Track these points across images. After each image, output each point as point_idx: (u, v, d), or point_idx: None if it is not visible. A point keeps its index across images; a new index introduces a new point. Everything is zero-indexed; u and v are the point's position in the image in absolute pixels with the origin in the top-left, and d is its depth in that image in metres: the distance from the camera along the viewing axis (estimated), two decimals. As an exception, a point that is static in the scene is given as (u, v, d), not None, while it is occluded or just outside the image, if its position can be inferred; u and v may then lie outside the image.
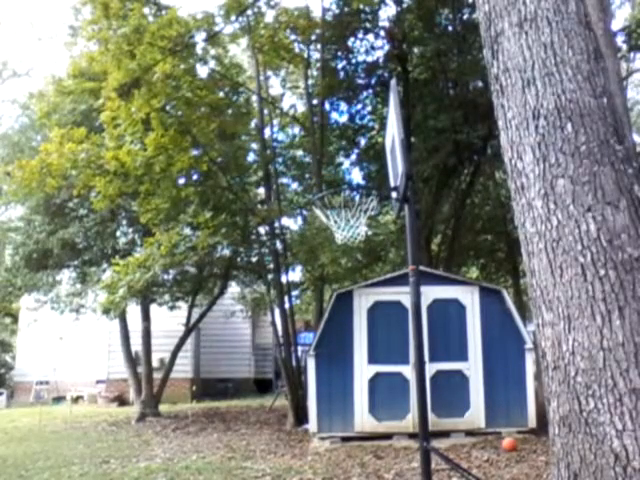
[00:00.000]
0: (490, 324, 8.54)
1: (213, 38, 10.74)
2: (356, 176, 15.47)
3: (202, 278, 12.95)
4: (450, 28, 12.64)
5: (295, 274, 14.35)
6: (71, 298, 13.88)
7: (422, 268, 6.92)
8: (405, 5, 12.46)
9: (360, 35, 12.52)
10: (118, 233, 13.53)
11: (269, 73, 13.17)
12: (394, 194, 4.95)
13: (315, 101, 12.74)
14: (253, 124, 12.84)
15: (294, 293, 14.08)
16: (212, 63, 11.54)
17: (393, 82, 5.00)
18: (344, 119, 13.90)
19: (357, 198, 5.46)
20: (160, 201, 10.32)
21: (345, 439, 8.25)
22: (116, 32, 9.28)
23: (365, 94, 13.64)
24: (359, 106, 13.73)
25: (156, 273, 10.20)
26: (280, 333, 11.76)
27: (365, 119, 14.03)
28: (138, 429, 11.32)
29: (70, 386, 17.19)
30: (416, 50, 13.01)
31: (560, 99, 3.08)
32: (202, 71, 11.30)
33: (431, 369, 8.00)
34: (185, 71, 10.13)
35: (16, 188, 10.83)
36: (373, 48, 12.77)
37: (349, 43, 12.59)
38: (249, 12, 10.94)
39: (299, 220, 14.73)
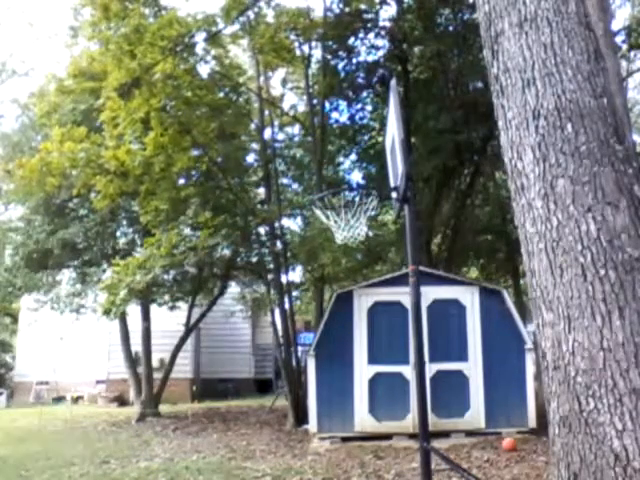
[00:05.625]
0: (490, 324, 8.53)
1: (213, 38, 10.74)
2: (356, 176, 15.45)
3: (202, 278, 12.93)
4: (450, 28, 12.64)
5: (295, 274, 14.34)
6: (71, 298, 13.87)
7: (422, 268, 6.91)
8: (405, 5, 12.47)
9: (361, 35, 12.51)
10: (118, 233, 13.53)
11: (270, 73, 13.17)
12: (394, 194, 4.94)
13: (315, 101, 12.74)
14: (253, 124, 12.84)
15: (294, 293, 14.08)
16: (212, 63, 11.54)
17: (393, 82, 5.00)
18: (344, 119, 13.92)
19: (357, 198, 5.46)
20: (160, 202, 10.31)
21: (345, 439, 8.24)
22: (116, 32, 9.28)
23: (365, 94, 13.64)
24: (359, 106, 13.73)
25: (156, 274, 10.20)
26: (280, 333, 11.76)
27: (365, 119, 14.03)
28: (138, 429, 11.31)
29: (70, 386, 17.18)
30: (416, 50, 13.01)
31: (560, 99, 3.08)
32: (202, 71, 11.32)
33: (431, 369, 7.99)
34: (185, 71, 10.14)
35: (16, 187, 10.82)
36: (373, 48, 12.78)
37: (349, 43, 12.59)
38: (249, 12, 10.94)
39: (299, 220, 14.73)
